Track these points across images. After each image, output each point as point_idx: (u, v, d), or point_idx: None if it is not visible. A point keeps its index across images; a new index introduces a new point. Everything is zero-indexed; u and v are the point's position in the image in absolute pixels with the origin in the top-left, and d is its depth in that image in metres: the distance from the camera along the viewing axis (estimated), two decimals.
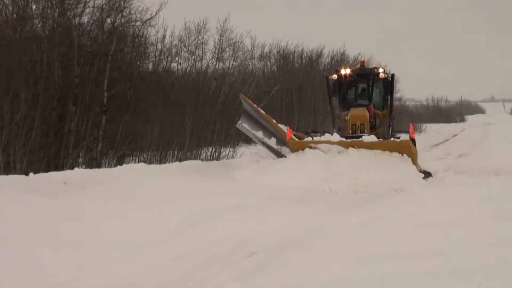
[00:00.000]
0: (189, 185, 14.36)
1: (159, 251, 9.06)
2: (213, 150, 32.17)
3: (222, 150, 32.80)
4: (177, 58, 37.54)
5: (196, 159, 28.18)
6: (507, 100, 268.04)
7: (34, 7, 26.55)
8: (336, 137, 18.93)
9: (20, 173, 16.72)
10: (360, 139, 18.37)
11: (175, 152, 31.15)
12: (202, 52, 38.64)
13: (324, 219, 11.31)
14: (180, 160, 26.32)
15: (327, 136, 19.25)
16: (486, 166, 22.19)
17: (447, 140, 54.17)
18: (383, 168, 17.39)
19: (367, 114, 21.28)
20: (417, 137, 51.96)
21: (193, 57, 38.32)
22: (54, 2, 26.33)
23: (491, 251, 7.99)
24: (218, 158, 30.94)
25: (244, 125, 21.71)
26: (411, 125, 19.42)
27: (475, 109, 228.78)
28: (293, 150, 19.35)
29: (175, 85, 35.27)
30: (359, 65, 25.81)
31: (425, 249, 8.39)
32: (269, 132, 21.59)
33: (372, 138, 18.42)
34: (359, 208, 12.89)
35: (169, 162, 27.09)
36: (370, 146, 18.06)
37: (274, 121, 21.21)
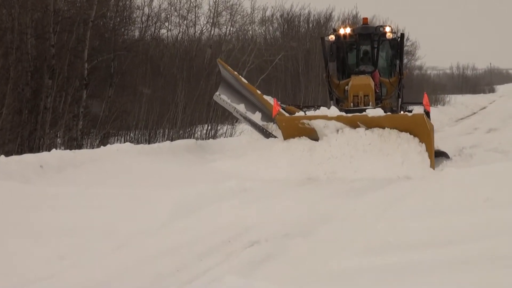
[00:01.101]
0: (181, 168, 14.43)
1: (150, 241, 9.13)
2: (209, 127, 32.23)
3: (219, 128, 32.87)
4: (166, 24, 37.47)
5: (190, 137, 28.23)
6: None
7: None
8: (334, 111, 17.41)
9: None
10: (364, 113, 16.83)
11: (166, 130, 31.25)
12: (195, 17, 38.55)
13: (331, 204, 11.34)
14: (172, 139, 26.36)
15: (323, 110, 17.76)
16: None
17: (475, 113, 54.20)
18: (387, 154, 16.12)
19: (372, 83, 19.37)
20: (440, 110, 52.16)
21: (185, 22, 38.25)
22: None
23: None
24: (214, 137, 30.99)
25: (222, 97, 20.61)
26: (425, 95, 18.13)
27: (506, 77, 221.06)
28: (281, 127, 17.85)
29: (165, 54, 35.26)
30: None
31: (442, 236, 8.42)
32: (253, 106, 20.44)
33: (378, 111, 16.85)
34: (367, 194, 12.82)
35: (159, 142, 27.12)
36: (376, 122, 16.53)
37: (259, 92, 20.38)
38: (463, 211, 9.82)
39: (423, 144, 16.17)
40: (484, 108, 62.37)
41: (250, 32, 45.88)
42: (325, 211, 10.84)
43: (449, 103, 76.25)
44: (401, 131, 16.38)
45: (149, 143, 25.90)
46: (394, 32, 21.31)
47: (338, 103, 20.58)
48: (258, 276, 7.17)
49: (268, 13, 49.96)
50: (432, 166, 15.97)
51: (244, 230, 9.73)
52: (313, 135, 17.13)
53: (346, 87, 19.86)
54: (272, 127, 19.43)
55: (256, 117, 20.12)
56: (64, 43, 26.29)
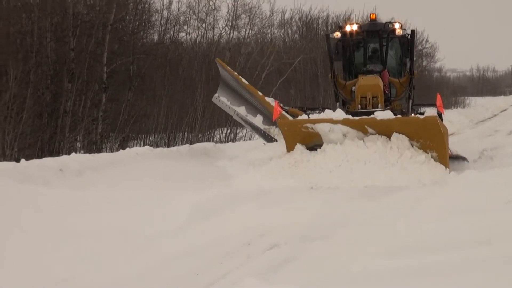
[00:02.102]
0: (200, 171, 14.37)
1: (169, 244, 9.15)
2: (228, 131, 32.26)
3: (238, 131, 32.89)
4: (185, 27, 37.69)
5: (209, 141, 28.25)
6: None
7: None
8: (339, 114, 15.86)
9: (10, 160, 16.86)
10: (372, 116, 15.35)
11: (185, 133, 31.34)
12: (214, 20, 38.76)
13: (349, 207, 11.31)
14: (191, 143, 26.44)
15: (327, 113, 16.16)
16: None
17: (495, 115, 53.85)
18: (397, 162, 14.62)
19: (381, 83, 17.70)
20: (460, 112, 51.94)
21: (204, 25, 38.45)
22: None
23: None
24: (234, 140, 31.03)
25: (222, 99, 19.26)
26: (439, 96, 16.29)
27: None
28: (283, 131, 16.29)
29: (184, 57, 35.37)
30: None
31: (462, 238, 8.38)
32: (254, 108, 19.28)
33: (387, 114, 15.30)
34: (383, 197, 12.62)
35: (178, 145, 27.17)
36: (385, 125, 15.00)
37: (260, 93, 19.06)
38: (483, 213, 9.75)
39: (435, 151, 14.82)
40: (505, 110, 61.91)
41: (269, 35, 45.92)
42: (343, 214, 10.81)
43: (469, 105, 76.31)
44: (413, 136, 14.94)
45: (168, 147, 25.93)
46: (404, 29, 19.44)
47: (345, 105, 19.10)
48: (278, 279, 7.17)
49: (287, 15, 49.95)
50: (448, 169, 14.64)
51: (263, 233, 9.73)
52: (318, 140, 15.61)
53: (353, 88, 18.38)
54: (274, 131, 18.67)
55: (258, 120, 19.19)
56: (83, 47, 26.42)
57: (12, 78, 20.49)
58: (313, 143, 15.62)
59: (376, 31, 19.18)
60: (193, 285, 7.31)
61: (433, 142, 14.78)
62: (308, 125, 15.57)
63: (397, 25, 18.64)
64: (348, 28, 18.92)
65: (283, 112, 17.59)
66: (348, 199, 11.97)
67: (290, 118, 17.42)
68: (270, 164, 15.62)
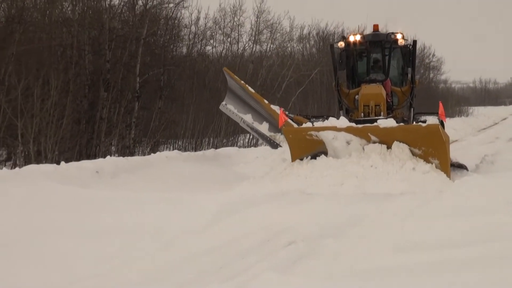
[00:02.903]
0: (224, 173, 14.38)
1: (195, 240, 9.14)
2: (251, 136, 32.24)
3: None
4: (212, 41, 37.77)
5: (233, 146, 28.27)
6: None
7: None
8: (343, 122, 15.01)
9: (51, 162, 16.93)
10: (375, 123, 14.43)
11: (211, 139, 31.36)
12: (238, 35, 38.80)
13: (360, 208, 11.26)
14: (216, 147, 26.45)
15: (331, 121, 15.33)
16: None
17: (496, 123, 53.89)
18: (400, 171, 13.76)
19: (383, 92, 16.97)
20: (463, 120, 51.72)
21: (229, 40, 38.50)
22: None
23: None
24: (256, 145, 30.98)
25: (229, 107, 18.50)
26: (441, 105, 15.63)
27: None
28: (288, 139, 15.46)
29: (210, 69, 35.41)
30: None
31: (466, 236, 8.35)
32: (260, 116, 18.54)
33: (390, 122, 14.42)
34: (391, 200, 12.43)
35: (204, 150, 27.20)
36: (388, 133, 14.18)
37: (266, 101, 18.29)
38: (486, 213, 9.71)
39: (436, 158, 13.96)
40: (505, 119, 62.00)
41: (289, 49, 45.94)
42: (354, 214, 10.75)
43: (472, 114, 76.28)
44: (415, 143, 14.10)
45: (195, 151, 25.95)
46: (406, 39, 18.55)
47: (348, 113, 18.27)
48: (295, 273, 7.16)
49: (305, 31, 49.95)
50: (449, 176, 13.76)
51: (281, 231, 9.71)
52: (322, 148, 14.80)
53: (356, 96, 17.53)
54: (280, 138, 18.10)
55: (263, 127, 18.48)
56: (118, 59, 26.54)
57: (54, 87, 20.57)
58: (317, 150, 14.89)
59: (378, 41, 18.50)
60: (218, 278, 7.30)
61: (435, 149, 13.96)
62: (313, 132, 14.85)
63: (399, 36, 18.03)
64: (351, 38, 18.39)
65: (288, 120, 17.02)
66: (356, 202, 11.83)
67: (295, 125, 16.69)
68: (279, 170, 15.09)
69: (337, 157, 14.28)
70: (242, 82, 18.57)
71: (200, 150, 27.38)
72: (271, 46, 41.49)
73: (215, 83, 33.78)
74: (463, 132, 39.36)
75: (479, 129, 45.53)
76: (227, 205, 11.13)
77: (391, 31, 18.34)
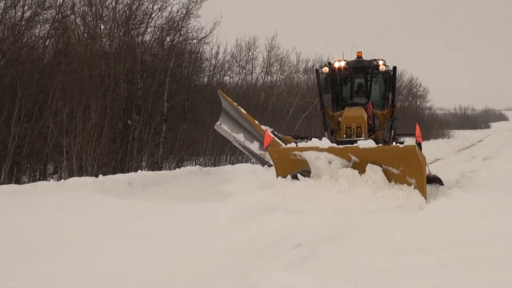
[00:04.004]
0: (238, 186, 14.33)
1: (213, 244, 9.12)
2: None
3: None
4: (229, 72, 37.86)
5: (247, 162, 28.21)
6: None
7: (102, 27, 27.11)
8: (325, 142, 14.40)
9: (91, 175, 16.96)
10: (355, 144, 13.71)
11: (228, 156, 31.31)
12: (252, 67, 38.90)
13: (354, 218, 11.19)
14: (232, 163, 26.46)
15: (314, 142, 14.63)
16: (509, 167, 22.23)
17: (474, 144, 54.05)
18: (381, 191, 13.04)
19: (365, 115, 16.20)
20: (446, 141, 51.52)
21: (244, 71, 38.62)
22: (120, 22, 26.77)
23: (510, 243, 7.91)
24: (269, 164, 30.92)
25: (223, 127, 17.63)
26: (417, 127, 14.86)
27: (499, 117, 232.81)
28: (273, 158, 14.86)
29: (228, 96, 35.44)
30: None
31: (448, 241, 8.35)
32: (251, 135, 17.77)
33: (369, 143, 13.69)
34: (380, 213, 11.85)
35: (222, 165, 27.23)
36: (367, 153, 13.46)
37: (257, 122, 17.41)
38: (463, 222, 9.78)
39: (413, 177, 13.14)
40: (481, 140, 62.20)
41: (296, 79, 45.99)
42: (350, 222, 10.72)
43: (453, 136, 76.38)
44: (393, 163, 13.29)
45: (214, 166, 25.97)
46: (387, 66, 17.41)
47: (333, 134, 17.34)
48: (301, 272, 7.15)
49: (309, 64, 49.89)
50: (424, 197, 12.87)
51: (288, 236, 9.70)
52: (306, 167, 14.10)
53: (340, 118, 16.65)
54: (269, 156, 16.16)
55: (254, 146, 17.62)
56: (148, 87, 26.64)
57: (93, 111, 20.65)
58: (301, 169, 14.15)
59: (362, 68, 17.72)
60: (233, 276, 7.29)
61: (412, 169, 13.12)
62: (297, 152, 14.17)
63: (380, 62, 17.09)
64: (336, 64, 17.57)
65: (277, 139, 16.29)
66: (347, 215, 11.63)
67: (283, 145, 15.80)
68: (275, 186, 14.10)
69: (319, 175, 13.68)
70: (235, 104, 17.89)
71: (218, 166, 27.44)
72: (280, 76, 41.64)
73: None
74: (445, 151, 39.46)
75: (459, 149, 45.57)
76: (241, 212, 11.08)
77: (373, 58, 17.44)
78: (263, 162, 17.42)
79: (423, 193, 12.87)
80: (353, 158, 13.50)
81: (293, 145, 15.05)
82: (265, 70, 39.63)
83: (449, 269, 6.83)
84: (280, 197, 12.81)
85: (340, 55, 17.68)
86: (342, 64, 17.50)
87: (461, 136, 74.98)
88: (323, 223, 10.70)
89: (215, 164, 30.03)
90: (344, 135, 15.83)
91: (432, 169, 23.59)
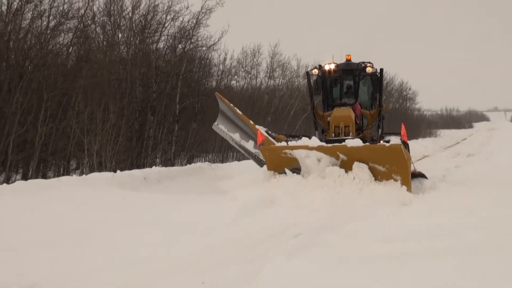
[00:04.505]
0: (244, 180, 14.32)
1: (223, 232, 9.17)
2: None
3: None
4: (235, 77, 37.82)
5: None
6: (508, 110, 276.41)
7: (120, 35, 27.12)
8: (314, 141, 13.93)
9: (110, 171, 17.00)
10: (343, 143, 13.27)
11: (234, 153, 31.33)
12: (256, 72, 38.88)
13: (350, 210, 11.19)
14: (239, 160, 26.47)
15: (304, 141, 14.19)
16: (491, 163, 22.39)
17: (458, 143, 54.25)
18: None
19: (352, 115, 15.82)
20: (433, 140, 51.60)
21: (249, 76, 38.57)
22: (136, 31, 26.81)
23: (491, 232, 7.94)
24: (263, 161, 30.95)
25: (220, 127, 17.18)
26: (403, 126, 14.40)
27: (481, 117, 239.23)
28: (265, 156, 14.45)
29: (234, 99, 35.43)
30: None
31: (435, 231, 8.38)
32: (246, 135, 17.11)
33: (357, 142, 13.33)
34: (371, 207, 11.89)
35: (229, 162, 27.25)
36: (354, 152, 13.04)
37: (252, 122, 16.70)
38: (448, 213, 9.85)
39: (399, 175, 12.73)
40: (465, 139, 62.48)
41: (296, 83, 45.88)
42: (346, 214, 10.75)
43: (439, 135, 76.38)
44: (379, 161, 12.89)
45: (222, 163, 25.98)
46: (375, 68, 16.98)
47: (323, 133, 16.84)
48: (302, 258, 7.19)
49: (309, 69, 49.78)
50: (410, 190, 12.55)
51: (290, 226, 9.74)
52: (296, 164, 13.69)
53: (329, 118, 16.32)
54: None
55: (250, 145, 16.92)
56: (162, 90, 26.67)
57: (112, 112, 20.68)
58: (292, 167, 13.74)
59: (350, 70, 17.26)
60: (241, 260, 7.35)
61: (398, 167, 12.71)
62: (287, 151, 13.78)
63: (369, 65, 16.72)
64: (327, 67, 17.23)
65: (270, 138, 15.69)
66: (339, 209, 11.55)
67: (276, 143, 15.19)
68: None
69: (309, 173, 13.26)
70: (231, 105, 17.27)
71: (226, 162, 27.48)
72: (282, 81, 41.59)
73: (238, 109, 33.82)
74: (432, 149, 39.54)
75: (445, 147, 45.61)
76: (248, 204, 11.11)
77: (362, 61, 17.03)
78: (257, 160, 16.85)
79: (409, 189, 12.53)
80: (341, 156, 13.17)
81: (284, 143, 14.86)
82: (268, 74, 39.65)
83: (436, 256, 6.86)
84: (276, 193, 12.56)
85: (330, 58, 17.42)
86: (332, 66, 17.17)
87: (447, 135, 75.10)
88: (321, 216, 10.74)
89: (222, 160, 30.08)
90: (333, 134, 15.50)
91: (421, 164, 23.77)
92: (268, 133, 15.86)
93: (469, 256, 6.73)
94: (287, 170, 13.73)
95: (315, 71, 17.25)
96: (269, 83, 39.67)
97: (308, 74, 17.77)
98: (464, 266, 6.32)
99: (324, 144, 13.63)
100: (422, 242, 7.71)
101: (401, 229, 8.93)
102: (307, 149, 13.37)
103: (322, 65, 17.37)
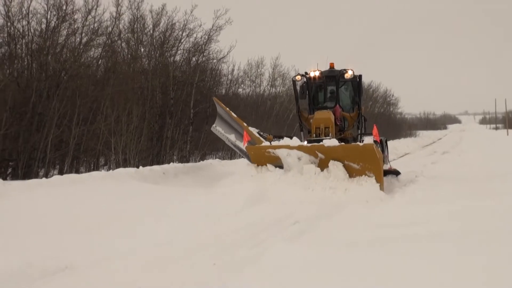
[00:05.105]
0: (251, 175, 14.28)
1: (231, 221, 9.19)
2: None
3: None
4: (242, 85, 37.75)
5: None
6: (477, 114, 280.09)
7: (142, 50, 27.13)
8: (295, 141, 13.57)
9: (133, 167, 17.02)
10: (321, 143, 12.96)
11: None
12: (260, 81, 38.78)
13: (338, 204, 11.12)
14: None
15: (286, 141, 13.89)
16: (462, 160, 22.54)
17: (434, 142, 54.42)
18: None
19: (332, 117, 15.11)
20: (412, 140, 51.54)
21: (254, 84, 38.49)
22: (156, 46, 26.83)
23: (463, 221, 7.91)
24: None
25: (218, 129, 16.50)
26: (375, 127, 14.15)
27: (454, 120, 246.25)
28: (250, 155, 14.01)
29: (241, 104, 35.46)
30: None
31: (416, 219, 8.36)
32: (241, 135, 16.08)
33: (333, 142, 12.95)
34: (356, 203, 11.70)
35: (237, 159, 27.22)
36: (331, 151, 12.68)
37: (245, 124, 16.09)
38: (426, 203, 9.84)
39: (372, 172, 12.38)
40: (440, 139, 62.73)
41: None
42: (337, 205, 10.73)
43: (418, 136, 76.56)
44: (354, 160, 12.53)
45: (231, 159, 25.95)
46: (355, 75, 16.31)
47: (309, 134, 15.98)
48: (300, 243, 7.18)
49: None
50: (382, 189, 12.15)
51: (289, 214, 9.75)
52: (279, 163, 13.31)
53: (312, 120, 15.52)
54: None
55: (244, 145, 15.74)
56: (178, 97, 26.66)
57: (135, 116, 20.70)
58: (276, 164, 13.38)
59: (333, 76, 16.57)
60: (247, 245, 7.35)
61: (371, 165, 12.37)
62: (270, 150, 13.39)
63: (350, 72, 16.04)
64: (312, 74, 16.65)
65: (261, 138, 15.11)
66: (322, 203, 11.34)
67: (267, 143, 14.53)
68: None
69: (290, 170, 12.90)
70: (227, 108, 16.55)
71: (234, 159, 27.47)
72: (283, 88, 41.39)
73: (245, 113, 33.79)
74: (412, 147, 39.63)
75: (423, 145, 45.74)
76: (253, 196, 11.18)
77: (343, 68, 16.32)
78: (249, 158, 15.76)
79: (381, 185, 12.15)
80: (320, 155, 12.81)
81: (267, 143, 14.42)
82: (270, 83, 39.55)
83: (411, 240, 6.83)
84: (267, 187, 12.24)
85: (316, 66, 16.98)
86: (317, 73, 16.63)
87: (425, 135, 75.48)
88: (316, 206, 10.73)
89: (231, 157, 30.00)
90: (314, 135, 14.81)
91: (402, 161, 23.74)
92: (260, 134, 15.48)
93: (441, 241, 6.68)
94: (269, 166, 13.43)
95: (298, 77, 16.68)
96: (271, 90, 39.63)
97: (294, 81, 17.13)
98: (431, 250, 6.26)
99: (304, 143, 13.40)
100: (399, 228, 7.69)
101: (389, 217, 8.94)
102: (288, 148, 13.06)
103: (308, 72, 16.82)
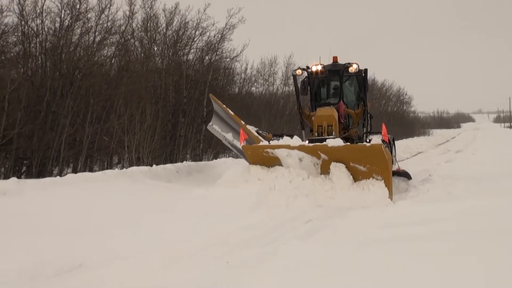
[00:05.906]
0: (261, 174, 14.24)
1: (244, 219, 9.21)
2: None
3: None
4: (255, 84, 37.72)
5: None
6: (491, 112, 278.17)
7: (155, 48, 27.18)
8: (296, 140, 12.61)
9: (146, 165, 17.07)
10: (324, 143, 11.94)
11: None
12: (273, 79, 38.68)
13: (348, 205, 11.04)
14: None
15: (286, 140, 12.87)
16: (476, 158, 22.50)
17: (448, 140, 54.03)
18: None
19: (335, 114, 13.84)
20: (426, 138, 51.35)
21: (267, 83, 38.43)
22: (169, 45, 26.87)
23: (475, 220, 7.84)
24: None
25: (214, 127, 15.57)
26: (384, 126, 13.27)
27: (467, 118, 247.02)
28: (247, 155, 12.99)
29: (254, 103, 35.45)
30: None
31: (427, 218, 8.31)
32: (238, 134, 14.54)
33: (338, 142, 11.94)
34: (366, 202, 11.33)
35: None
36: (335, 151, 11.77)
37: (243, 122, 14.99)
38: (437, 202, 9.81)
39: (380, 175, 11.58)
40: (454, 137, 62.24)
41: None
42: (349, 205, 10.71)
43: (432, 134, 76.10)
44: (360, 161, 11.68)
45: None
46: (360, 69, 15.01)
47: (311, 132, 14.61)
48: (312, 241, 7.20)
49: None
50: (390, 196, 11.31)
51: (301, 213, 9.76)
52: (278, 163, 12.41)
53: (313, 118, 14.11)
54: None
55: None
56: (191, 96, 26.68)
57: (148, 114, 20.74)
58: (274, 165, 12.43)
59: (337, 71, 15.34)
60: (259, 243, 7.36)
61: (379, 167, 11.53)
62: (269, 150, 12.36)
63: (354, 65, 14.68)
64: (314, 68, 15.33)
65: (260, 138, 14.13)
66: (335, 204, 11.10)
67: (266, 142, 13.35)
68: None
69: (289, 172, 12.02)
70: (224, 106, 15.58)
71: None
72: None
73: (258, 111, 33.81)
74: (426, 146, 39.34)
75: (436, 144, 45.45)
76: (262, 194, 11.19)
77: (347, 62, 15.12)
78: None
79: (389, 188, 11.40)
80: (322, 155, 11.92)
81: (265, 143, 13.28)
82: (283, 82, 39.42)
83: (425, 239, 6.78)
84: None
85: (323, 60, 16.03)
86: (319, 68, 15.27)
87: (438, 134, 74.96)
88: (326, 206, 10.73)
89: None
90: (316, 133, 13.58)
91: (416, 159, 23.64)
92: (258, 133, 14.77)
93: (450, 240, 6.64)
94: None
95: (299, 72, 15.34)
96: (284, 89, 39.54)
97: (294, 76, 15.90)
98: (449, 249, 6.22)
99: (305, 143, 12.43)
100: (415, 227, 7.64)
101: (398, 217, 8.86)
102: (288, 148, 12.14)
103: (309, 66, 15.57)
